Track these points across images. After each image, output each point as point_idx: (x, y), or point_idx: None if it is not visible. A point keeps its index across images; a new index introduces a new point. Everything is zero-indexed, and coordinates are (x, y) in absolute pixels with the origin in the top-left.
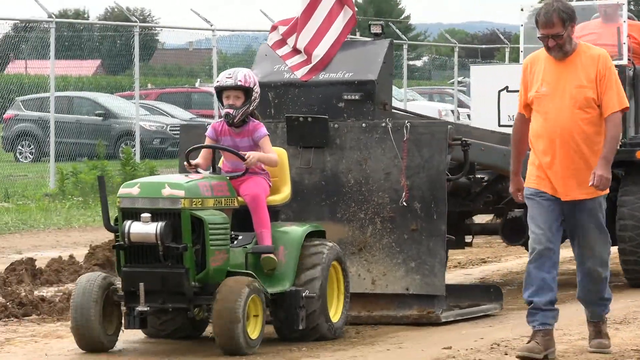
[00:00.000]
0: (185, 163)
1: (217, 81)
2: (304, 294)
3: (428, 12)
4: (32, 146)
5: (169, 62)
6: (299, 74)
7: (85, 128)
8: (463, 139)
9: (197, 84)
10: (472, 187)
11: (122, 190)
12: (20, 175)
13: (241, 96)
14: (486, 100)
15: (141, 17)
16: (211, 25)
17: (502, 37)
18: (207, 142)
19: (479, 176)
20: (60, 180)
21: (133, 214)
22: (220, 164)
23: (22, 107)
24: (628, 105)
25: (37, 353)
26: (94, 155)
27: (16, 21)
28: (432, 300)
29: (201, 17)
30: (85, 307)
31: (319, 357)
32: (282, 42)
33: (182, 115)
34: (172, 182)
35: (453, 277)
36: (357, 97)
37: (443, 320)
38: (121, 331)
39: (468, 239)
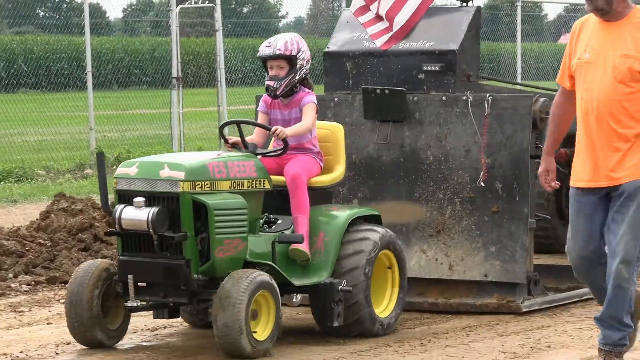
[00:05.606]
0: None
1: (259, 51)
2: (339, 287)
3: None
4: None
5: None
6: (379, 42)
7: None
8: None
9: None
10: None
11: (120, 170)
12: None
13: (284, 65)
14: None
15: None
16: None
17: None
18: (259, 116)
19: None
20: None
21: (130, 197)
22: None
23: None
24: None
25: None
26: None
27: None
28: (513, 288)
29: None
30: (80, 299)
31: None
32: (365, 9)
33: None
34: (172, 163)
35: None
36: (437, 68)
37: (524, 310)
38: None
39: None
